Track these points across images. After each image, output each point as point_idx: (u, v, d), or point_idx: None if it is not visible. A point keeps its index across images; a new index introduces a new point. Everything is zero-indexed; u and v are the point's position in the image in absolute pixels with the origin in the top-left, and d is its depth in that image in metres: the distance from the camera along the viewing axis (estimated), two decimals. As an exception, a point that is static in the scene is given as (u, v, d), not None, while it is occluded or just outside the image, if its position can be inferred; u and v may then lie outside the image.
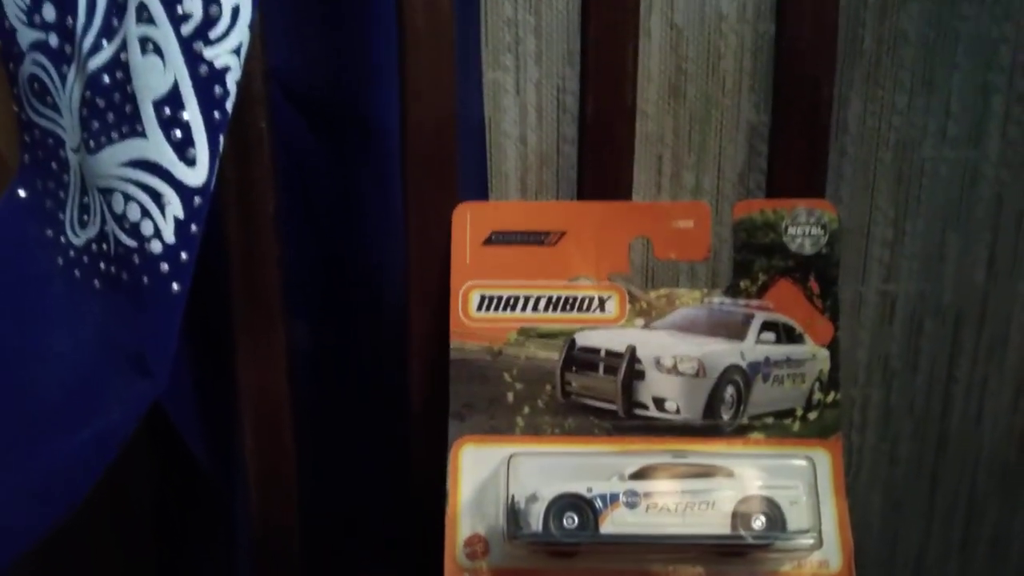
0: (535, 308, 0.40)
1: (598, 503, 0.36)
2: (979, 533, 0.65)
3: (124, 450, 0.37)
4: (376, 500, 0.51)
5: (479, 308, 0.40)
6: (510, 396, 0.39)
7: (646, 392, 0.39)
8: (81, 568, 0.54)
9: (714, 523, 0.36)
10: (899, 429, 0.63)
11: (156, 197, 0.37)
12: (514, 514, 0.37)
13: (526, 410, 0.39)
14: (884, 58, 0.56)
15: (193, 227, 0.37)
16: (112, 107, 0.37)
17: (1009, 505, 0.64)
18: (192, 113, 0.36)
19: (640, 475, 0.37)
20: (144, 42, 0.36)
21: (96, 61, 0.37)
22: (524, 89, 0.56)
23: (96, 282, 0.40)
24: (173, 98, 0.36)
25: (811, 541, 0.36)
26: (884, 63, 0.56)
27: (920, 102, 0.57)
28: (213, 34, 0.36)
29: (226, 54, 0.36)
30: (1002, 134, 0.57)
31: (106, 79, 0.37)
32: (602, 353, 0.39)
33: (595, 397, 0.39)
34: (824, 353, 0.40)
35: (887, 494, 0.64)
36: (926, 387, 0.62)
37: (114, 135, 0.37)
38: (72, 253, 0.41)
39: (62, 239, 0.41)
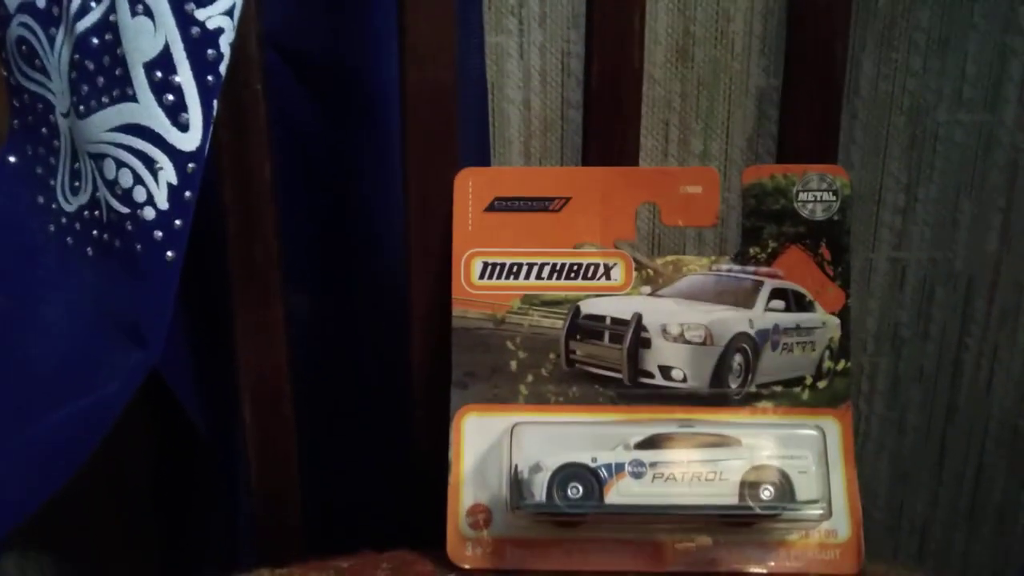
0: (539, 276, 0.39)
1: (603, 473, 0.36)
2: (987, 502, 0.64)
3: (121, 423, 0.37)
4: (377, 470, 0.51)
5: (481, 276, 0.39)
6: (513, 364, 0.39)
7: (652, 360, 0.39)
8: (80, 541, 0.54)
9: (722, 493, 0.36)
10: (908, 398, 0.62)
11: (148, 163, 0.36)
12: (517, 484, 0.36)
13: (530, 379, 0.39)
14: (899, 19, 0.55)
15: (187, 193, 0.36)
16: (102, 70, 0.36)
17: (1017, 474, 0.63)
18: (184, 76, 0.35)
19: (646, 444, 0.36)
20: (134, 3, 0.35)
21: (85, 23, 0.37)
22: (528, 53, 0.55)
23: (89, 250, 0.39)
24: (164, 61, 0.35)
25: (820, 511, 0.36)
26: (899, 24, 0.55)
27: (935, 64, 0.55)
28: (205, -6, 0.35)
29: (219, 15, 0.35)
30: (1019, 98, 0.56)
31: (95, 41, 0.36)
32: (607, 321, 0.39)
33: (600, 366, 0.39)
34: (834, 321, 0.39)
35: (895, 463, 0.64)
36: (936, 355, 0.61)
37: (104, 99, 0.36)
38: (64, 220, 0.40)
39: (54, 206, 0.41)
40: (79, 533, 0.54)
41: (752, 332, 0.39)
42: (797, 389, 0.39)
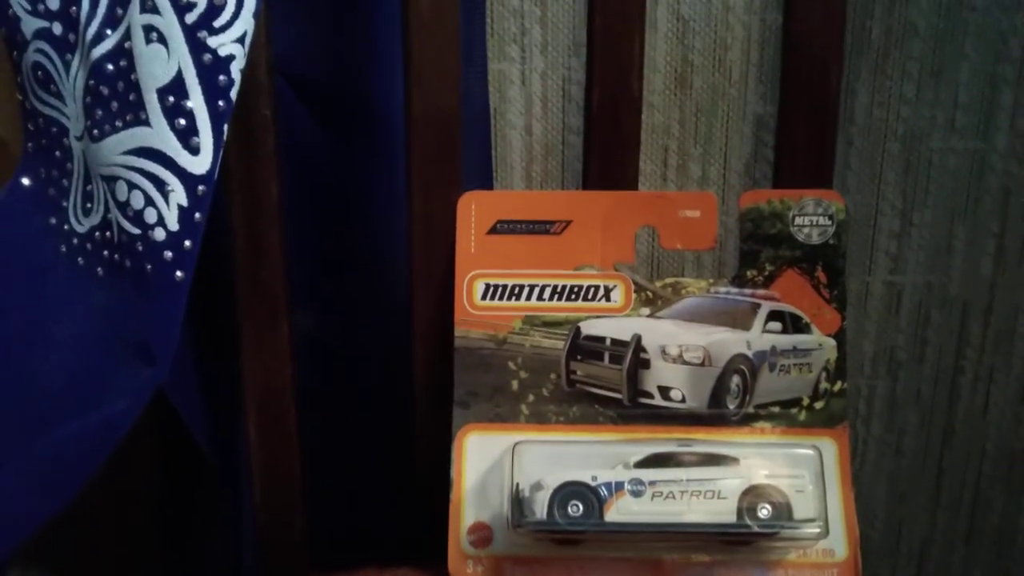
0: (540, 297, 0.40)
1: (603, 491, 0.36)
2: (984, 524, 0.64)
3: (126, 441, 0.37)
4: (380, 488, 0.51)
5: (484, 297, 0.40)
6: (515, 384, 0.39)
7: (651, 381, 0.39)
8: (83, 558, 0.54)
9: (720, 512, 0.36)
10: (905, 420, 0.62)
11: (160, 185, 0.37)
12: (518, 502, 0.37)
13: (531, 398, 0.39)
14: (892, 49, 0.56)
15: (197, 215, 0.37)
16: (116, 95, 0.37)
17: (1015, 496, 0.64)
18: (196, 101, 0.36)
19: (645, 464, 0.37)
20: (148, 31, 0.36)
21: (100, 50, 0.37)
22: (530, 79, 0.56)
23: (100, 270, 0.40)
24: (177, 86, 0.36)
25: (817, 530, 0.36)
26: (892, 54, 0.56)
27: (928, 93, 0.56)
28: (218, 23, 0.36)
29: (231, 43, 0.36)
30: (1010, 125, 0.57)
31: (110, 67, 0.37)
32: (607, 342, 0.39)
33: (600, 386, 0.39)
34: (831, 342, 0.40)
35: (892, 485, 0.64)
36: (932, 378, 0.61)
37: (118, 123, 0.37)
38: (75, 241, 0.41)
39: (65, 227, 0.41)
40: (82, 550, 0.54)
41: (750, 353, 0.39)
42: (794, 410, 0.39)
